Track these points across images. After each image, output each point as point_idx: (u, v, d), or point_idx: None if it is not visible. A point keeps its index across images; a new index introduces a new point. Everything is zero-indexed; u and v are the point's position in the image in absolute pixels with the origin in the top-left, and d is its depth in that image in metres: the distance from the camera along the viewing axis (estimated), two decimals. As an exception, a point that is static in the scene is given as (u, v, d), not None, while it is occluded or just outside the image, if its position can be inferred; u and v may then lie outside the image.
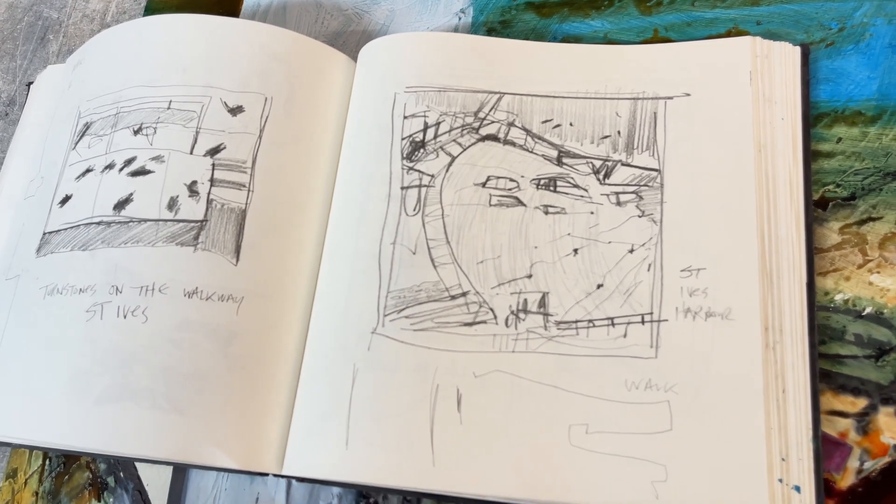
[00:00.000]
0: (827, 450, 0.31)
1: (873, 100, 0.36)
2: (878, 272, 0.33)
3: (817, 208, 0.35)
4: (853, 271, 0.33)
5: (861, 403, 0.32)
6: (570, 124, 0.38)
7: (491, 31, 0.42)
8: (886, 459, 0.31)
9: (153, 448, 0.33)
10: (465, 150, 0.38)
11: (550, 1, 0.42)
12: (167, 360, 0.35)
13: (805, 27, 0.38)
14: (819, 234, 0.34)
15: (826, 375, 0.32)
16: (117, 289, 0.36)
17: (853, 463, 0.31)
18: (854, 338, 0.33)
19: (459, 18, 0.44)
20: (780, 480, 0.30)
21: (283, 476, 0.35)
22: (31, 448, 0.40)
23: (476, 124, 0.38)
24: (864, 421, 0.31)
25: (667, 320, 0.33)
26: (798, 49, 0.37)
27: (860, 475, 0.31)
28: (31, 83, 0.50)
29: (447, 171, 0.37)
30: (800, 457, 0.30)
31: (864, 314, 0.33)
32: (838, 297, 0.33)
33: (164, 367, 0.34)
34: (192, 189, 0.37)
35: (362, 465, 0.33)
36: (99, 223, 0.37)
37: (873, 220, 0.34)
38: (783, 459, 0.31)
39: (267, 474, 0.36)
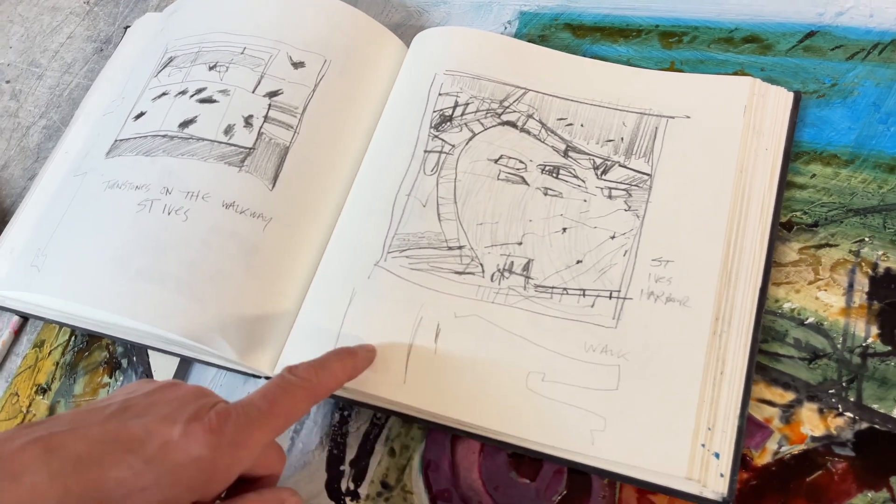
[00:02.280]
0: (750, 429, 0.35)
1: (850, 147, 0.40)
2: (826, 290, 0.37)
3: (783, 229, 0.39)
4: (804, 286, 0.37)
5: (789, 397, 0.35)
6: (581, 125, 0.43)
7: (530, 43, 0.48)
8: (802, 447, 0.34)
9: (168, 324, 0.38)
10: (485, 129, 0.43)
11: (586, 25, 0.48)
12: (196, 256, 0.40)
13: (802, 78, 0.43)
14: (780, 250, 0.39)
15: (763, 368, 0.36)
16: (168, 190, 0.41)
17: (772, 445, 0.34)
18: (794, 341, 0.36)
19: (505, 28, 0.50)
20: (703, 445, 0.34)
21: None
22: (62, 324, 0.45)
23: (499, 111, 0.43)
24: (789, 412, 0.35)
25: (631, 299, 0.38)
26: (792, 94, 0.42)
27: (776, 456, 0.34)
28: (128, 27, 0.57)
29: (467, 144, 0.42)
30: (724, 429, 0.34)
31: (806, 323, 0.37)
32: (786, 305, 0.37)
33: (192, 260, 0.40)
34: (248, 121, 0.43)
35: (343, 372, 0.37)
36: (164, 136, 0.43)
37: (830, 246, 0.38)
38: (709, 429, 0.34)
39: (260, 377, 0.40)
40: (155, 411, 0.30)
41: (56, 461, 0.27)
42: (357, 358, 0.36)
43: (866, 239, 0.38)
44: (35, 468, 0.26)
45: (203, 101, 0.44)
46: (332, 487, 0.38)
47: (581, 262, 0.39)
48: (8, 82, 0.59)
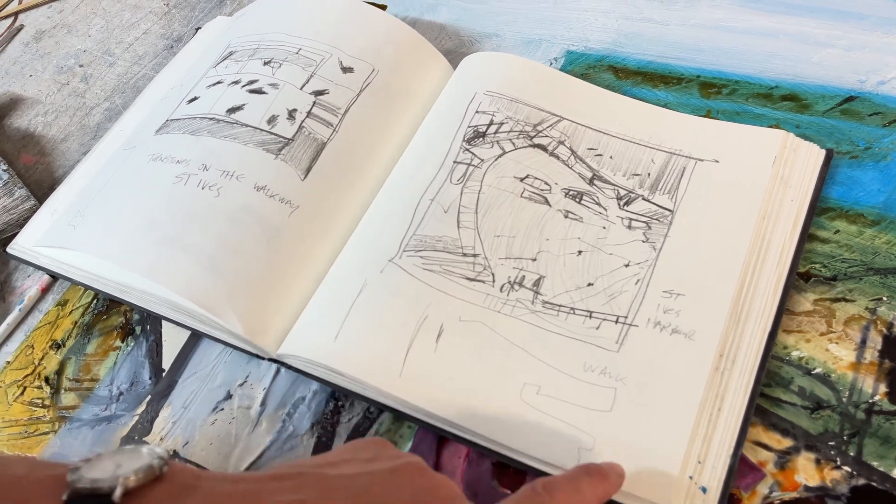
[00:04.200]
0: (742, 469, 0.34)
1: (877, 208, 0.40)
2: (837, 343, 0.36)
3: (800, 279, 0.39)
4: (815, 336, 0.37)
5: (787, 443, 0.34)
6: (611, 157, 0.44)
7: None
8: (794, 495, 0.33)
9: (183, 289, 0.39)
10: (516, 149, 0.44)
11: (629, 68, 0.49)
12: (221, 230, 0.41)
13: (837, 139, 0.43)
14: (795, 299, 0.38)
15: (763, 412, 0.35)
16: (206, 167, 0.43)
17: (763, 489, 0.33)
18: (798, 389, 0.36)
19: (551, 64, 0.51)
20: (691, 477, 0.33)
21: (275, 361, 0.41)
22: (87, 287, 0.47)
23: (532, 133, 0.45)
24: (784, 458, 0.34)
25: (637, 326, 0.38)
26: (824, 152, 0.42)
27: (765, 500, 0.33)
28: (199, 28, 0.61)
29: (496, 160, 0.43)
30: (715, 465, 0.33)
31: (813, 372, 0.36)
32: (795, 353, 0.36)
33: (216, 234, 0.41)
34: (291, 114, 0.45)
35: (343, 357, 0.38)
36: (212, 119, 0.46)
37: (846, 301, 0.38)
38: (699, 462, 0.33)
39: (263, 358, 0.41)
40: (404, 502, 0.28)
41: None
42: (608, 484, 0.32)
43: (884, 298, 0.37)
44: None
45: (253, 91, 0.46)
46: None
47: (592, 284, 0.39)
48: (81, 66, 0.62)
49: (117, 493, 0.24)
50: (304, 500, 0.26)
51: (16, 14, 0.67)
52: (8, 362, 0.46)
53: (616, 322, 0.38)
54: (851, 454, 0.33)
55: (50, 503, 0.24)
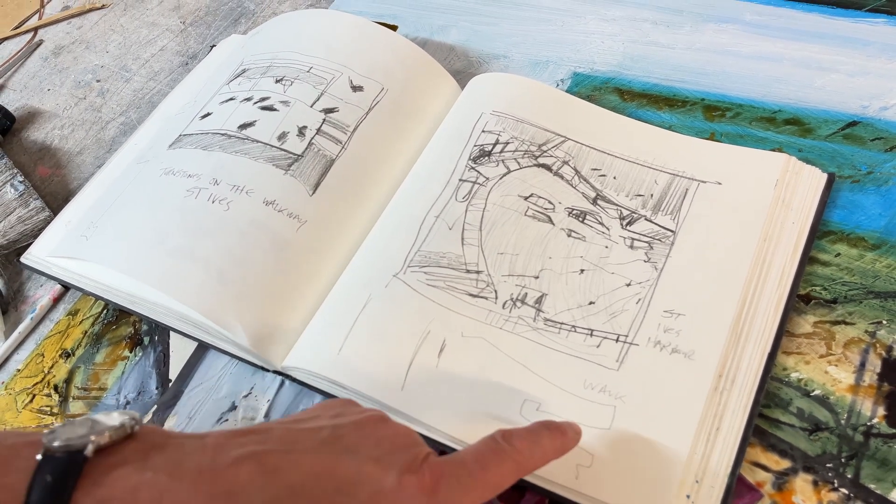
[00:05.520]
0: (740, 489, 0.34)
1: (878, 232, 0.40)
2: (836, 365, 0.37)
3: (800, 301, 0.39)
4: (814, 358, 0.37)
5: (784, 464, 0.34)
6: (614, 178, 0.44)
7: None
8: (791, 516, 0.33)
9: (191, 300, 0.40)
10: (521, 168, 0.45)
11: (634, 90, 0.50)
12: (230, 243, 0.42)
13: (839, 163, 0.44)
14: (795, 321, 0.38)
15: (761, 432, 0.35)
16: (216, 181, 0.44)
17: (760, 509, 0.33)
18: (797, 410, 0.36)
19: (557, 85, 0.52)
20: (688, 496, 0.33)
21: (279, 373, 0.41)
22: (98, 297, 0.47)
23: (537, 153, 0.45)
24: (782, 479, 0.34)
25: (638, 345, 0.38)
26: (825, 176, 0.42)
27: (762, 521, 0.33)
28: (214, 45, 0.62)
29: (501, 178, 0.44)
30: (712, 484, 0.34)
31: (811, 394, 0.36)
32: (794, 375, 0.37)
33: (225, 246, 0.42)
34: (301, 131, 0.46)
35: (346, 370, 0.38)
36: (224, 134, 0.47)
37: (846, 324, 0.38)
38: (697, 481, 0.34)
39: (268, 370, 0.42)
40: (366, 450, 0.28)
41: (272, 487, 0.26)
42: (566, 438, 0.32)
43: (884, 322, 0.37)
44: (251, 490, 0.25)
45: (264, 108, 0.47)
46: None
47: (594, 303, 0.40)
48: (98, 81, 0.64)
49: (89, 448, 0.25)
50: (269, 451, 0.27)
51: (35, 29, 0.69)
52: (18, 370, 0.47)
53: (616, 340, 0.38)
54: (849, 476, 0.34)
55: (24, 464, 0.24)
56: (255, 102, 0.48)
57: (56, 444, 0.25)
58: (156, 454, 0.26)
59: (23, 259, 0.50)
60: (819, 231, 0.41)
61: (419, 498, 0.27)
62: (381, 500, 0.26)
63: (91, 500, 0.24)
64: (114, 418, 0.26)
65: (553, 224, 0.43)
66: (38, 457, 0.25)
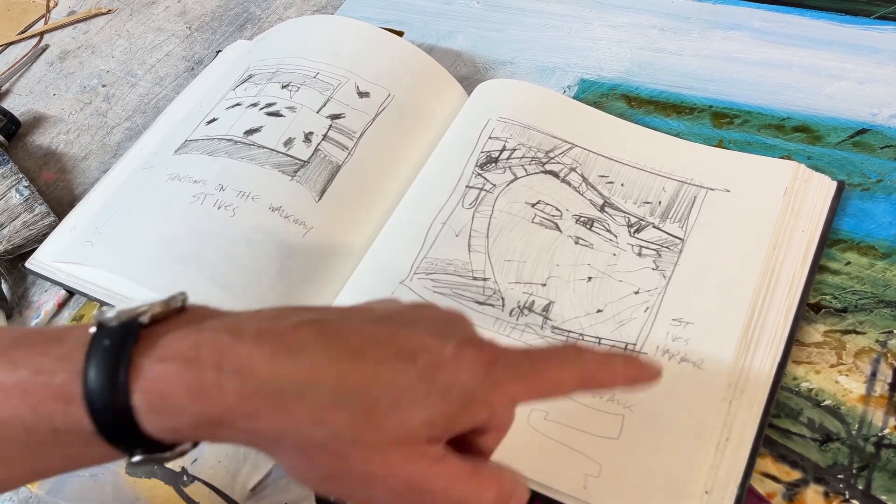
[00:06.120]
0: (750, 501, 0.33)
1: (889, 241, 0.40)
2: (847, 375, 0.36)
3: (810, 310, 0.39)
4: (825, 368, 0.37)
5: (795, 475, 0.34)
6: (622, 185, 0.44)
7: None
8: (802, 528, 0.33)
9: (197, 307, 0.40)
10: (528, 175, 0.44)
11: (642, 97, 0.50)
12: (235, 250, 0.42)
13: (848, 171, 0.43)
14: (805, 330, 0.38)
15: (771, 443, 0.35)
16: (222, 187, 0.44)
17: (770, 521, 0.33)
18: (807, 420, 0.35)
19: (564, 91, 0.52)
20: (697, 507, 0.33)
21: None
22: (103, 303, 0.47)
23: (544, 160, 0.45)
24: (793, 490, 0.34)
25: (646, 353, 0.38)
26: (835, 184, 0.42)
27: (773, 533, 0.33)
28: (220, 51, 0.62)
29: (508, 185, 0.44)
30: (722, 495, 0.33)
31: (822, 404, 0.36)
32: (804, 385, 0.36)
33: (231, 253, 0.42)
34: (308, 137, 0.46)
35: (351, 378, 0.38)
36: (230, 140, 0.47)
37: (857, 333, 0.37)
38: (706, 492, 0.33)
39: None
40: (424, 324, 0.27)
41: (335, 348, 0.25)
42: (640, 371, 0.30)
43: (895, 331, 0.37)
44: (313, 348, 0.25)
45: (270, 114, 0.47)
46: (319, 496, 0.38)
47: (601, 311, 0.40)
48: (104, 86, 0.64)
49: (146, 317, 0.26)
50: (329, 319, 0.27)
51: (41, 34, 0.69)
52: (22, 375, 0.46)
53: (625, 349, 0.38)
54: (860, 487, 0.33)
55: (80, 334, 0.25)
56: (262, 108, 0.48)
57: (109, 316, 0.25)
58: (211, 320, 0.26)
59: (27, 264, 0.49)
60: (829, 239, 0.41)
61: (475, 369, 0.26)
62: (440, 367, 0.26)
63: (151, 359, 0.25)
64: (163, 298, 0.27)
65: (560, 231, 0.42)
66: (92, 330, 0.25)
